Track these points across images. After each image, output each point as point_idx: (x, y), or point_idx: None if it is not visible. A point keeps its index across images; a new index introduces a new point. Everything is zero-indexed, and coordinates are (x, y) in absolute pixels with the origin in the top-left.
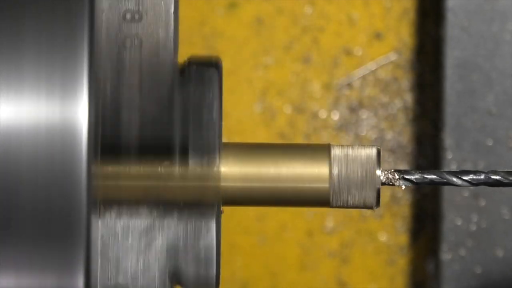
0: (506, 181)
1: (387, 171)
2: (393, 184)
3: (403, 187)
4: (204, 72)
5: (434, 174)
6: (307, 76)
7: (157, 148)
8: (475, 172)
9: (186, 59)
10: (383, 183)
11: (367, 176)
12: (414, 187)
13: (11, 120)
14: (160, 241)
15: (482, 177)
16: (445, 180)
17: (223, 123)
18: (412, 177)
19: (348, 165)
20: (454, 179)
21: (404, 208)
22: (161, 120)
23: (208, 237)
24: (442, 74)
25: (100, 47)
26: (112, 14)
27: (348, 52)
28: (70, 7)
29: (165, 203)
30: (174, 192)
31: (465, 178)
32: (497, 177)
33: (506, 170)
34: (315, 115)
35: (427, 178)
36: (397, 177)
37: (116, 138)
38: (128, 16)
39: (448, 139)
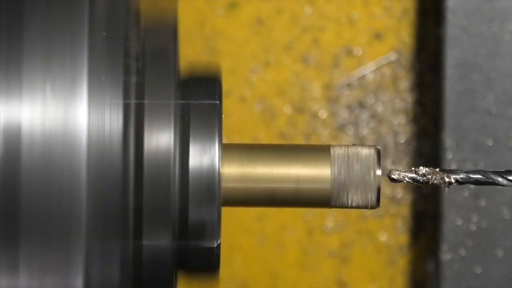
0: None
1: (430, 170)
2: (439, 184)
3: (451, 186)
4: (204, 86)
5: (479, 174)
6: (307, 76)
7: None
8: None
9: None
10: (426, 182)
11: (367, 176)
12: (458, 186)
13: (10, 121)
14: None
15: None
16: (491, 180)
17: (223, 123)
18: (457, 177)
19: (348, 165)
20: (500, 179)
21: (404, 208)
22: (161, 121)
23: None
24: (442, 74)
25: (101, 45)
26: (113, 14)
27: (348, 52)
28: (70, 6)
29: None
30: None
31: (511, 178)
32: None
33: None
34: (315, 115)
35: (472, 178)
36: (443, 176)
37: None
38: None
39: (448, 139)
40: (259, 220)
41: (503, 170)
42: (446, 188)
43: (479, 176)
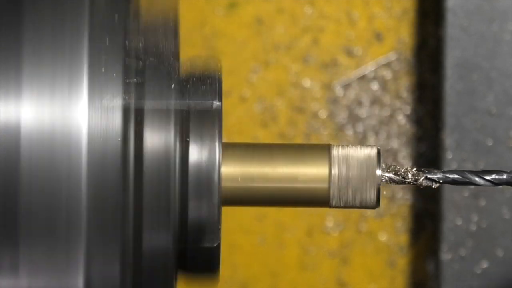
0: None
1: (410, 169)
2: (414, 184)
3: (429, 186)
4: (204, 81)
5: (456, 174)
6: (307, 76)
7: (157, 150)
8: (497, 172)
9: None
10: (401, 182)
11: (367, 176)
12: (435, 186)
13: (11, 121)
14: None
15: (505, 176)
16: (468, 180)
17: (223, 123)
18: (434, 176)
19: (348, 165)
20: (477, 179)
21: (404, 208)
22: (160, 124)
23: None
24: (442, 74)
25: (101, 45)
26: (112, 12)
27: (348, 52)
28: (70, 6)
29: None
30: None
31: (488, 178)
32: None
33: None
34: (315, 115)
35: (449, 177)
36: (420, 175)
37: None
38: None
39: (448, 139)
40: (259, 220)
41: (480, 170)
42: (421, 187)
43: (456, 176)
